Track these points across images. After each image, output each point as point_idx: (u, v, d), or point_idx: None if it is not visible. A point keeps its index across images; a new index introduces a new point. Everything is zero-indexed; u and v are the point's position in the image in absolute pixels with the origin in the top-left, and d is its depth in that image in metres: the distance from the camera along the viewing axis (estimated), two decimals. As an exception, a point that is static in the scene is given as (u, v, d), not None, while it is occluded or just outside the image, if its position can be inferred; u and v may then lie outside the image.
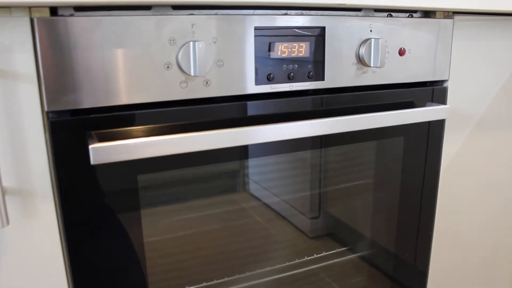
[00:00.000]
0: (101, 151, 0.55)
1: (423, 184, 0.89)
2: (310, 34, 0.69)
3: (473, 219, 1.00)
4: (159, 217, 0.69)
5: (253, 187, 0.76)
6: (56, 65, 0.55)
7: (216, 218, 0.74)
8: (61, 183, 0.59)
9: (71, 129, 0.58)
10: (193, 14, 0.61)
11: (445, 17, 0.82)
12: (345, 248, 0.88)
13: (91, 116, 0.59)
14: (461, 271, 1.04)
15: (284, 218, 0.81)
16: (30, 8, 0.53)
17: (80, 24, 0.55)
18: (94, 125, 0.59)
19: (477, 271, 1.07)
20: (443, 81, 0.86)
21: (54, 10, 0.56)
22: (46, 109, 0.56)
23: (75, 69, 0.56)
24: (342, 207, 0.86)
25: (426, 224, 0.93)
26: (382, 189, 0.87)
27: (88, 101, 0.58)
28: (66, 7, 0.56)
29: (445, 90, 0.86)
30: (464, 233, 1.00)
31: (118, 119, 0.60)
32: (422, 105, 0.82)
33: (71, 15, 0.57)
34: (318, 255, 0.87)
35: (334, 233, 0.87)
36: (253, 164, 0.74)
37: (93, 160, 0.55)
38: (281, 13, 0.68)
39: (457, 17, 0.83)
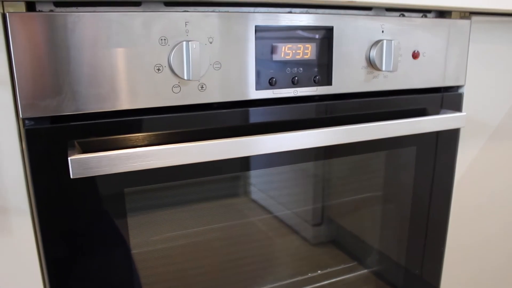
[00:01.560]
0: (82, 164, 0.50)
1: (435, 197, 0.85)
2: (316, 34, 0.65)
3: (486, 231, 0.97)
4: (148, 232, 0.64)
5: (254, 192, 0.73)
6: (33, 66, 0.50)
7: (215, 226, 0.70)
8: (39, 198, 0.54)
9: (51, 138, 0.53)
10: (187, 11, 0.55)
11: (461, 18, 0.78)
12: (354, 263, 0.86)
13: (73, 123, 0.54)
14: (473, 286, 1.00)
15: (285, 223, 0.78)
16: (2, 2, 0.48)
17: (60, 21, 0.50)
18: (77, 134, 0.54)
19: (491, 285, 1.03)
20: (458, 87, 0.81)
21: (31, 5, 0.51)
22: (21, 115, 0.51)
23: (54, 72, 0.51)
24: (347, 217, 0.83)
25: (439, 239, 0.90)
26: (391, 201, 0.84)
27: (70, 107, 0.53)
28: (45, 1, 0.51)
29: (460, 97, 0.81)
30: (477, 246, 0.97)
31: (104, 127, 0.55)
32: (436, 112, 0.78)
33: (51, 10, 0.51)
34: (323, 272, 0.83)
35: (337, 240, 0.84)
36: (255, 171, 0.71)
37: (73, 173, 0.50)
38: (284, 11, 0.64)
39: (474, 18, 0.79)
